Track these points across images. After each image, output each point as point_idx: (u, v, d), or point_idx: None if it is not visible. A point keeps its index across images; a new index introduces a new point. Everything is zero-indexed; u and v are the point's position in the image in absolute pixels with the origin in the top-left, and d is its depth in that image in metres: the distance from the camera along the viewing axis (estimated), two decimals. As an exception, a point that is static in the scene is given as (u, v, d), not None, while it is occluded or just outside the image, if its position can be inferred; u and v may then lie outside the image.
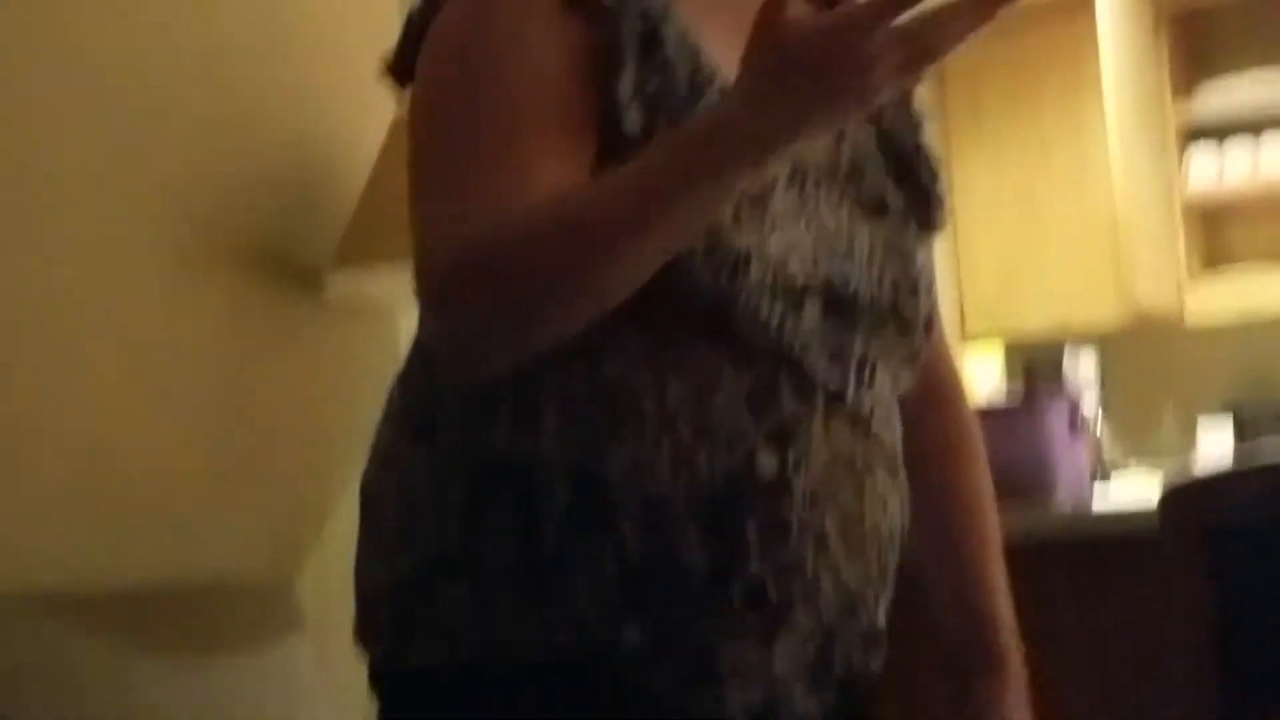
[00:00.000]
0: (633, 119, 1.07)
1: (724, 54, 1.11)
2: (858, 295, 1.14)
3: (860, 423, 1.13)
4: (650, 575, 1.05)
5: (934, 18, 0.94)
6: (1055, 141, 4.28)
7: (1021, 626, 2.44)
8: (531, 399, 1.08)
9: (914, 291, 1.19)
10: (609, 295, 1.03)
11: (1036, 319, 4.27)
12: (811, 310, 1.11)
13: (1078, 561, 2.42)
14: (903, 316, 1.18)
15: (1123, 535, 2.26)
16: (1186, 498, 1.93)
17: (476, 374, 1.07)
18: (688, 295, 1.06)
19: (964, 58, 4.50)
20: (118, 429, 2.11)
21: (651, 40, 1.10)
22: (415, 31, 1.17)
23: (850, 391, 1.12)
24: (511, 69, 1.08)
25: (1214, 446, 3.98)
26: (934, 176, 1.27)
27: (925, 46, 0.95)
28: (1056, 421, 2.49)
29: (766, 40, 0.96)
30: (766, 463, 1.07)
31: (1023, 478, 2.41)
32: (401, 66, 1.19)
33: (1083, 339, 4.03)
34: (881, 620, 1.16)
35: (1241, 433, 3.98)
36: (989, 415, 2.49)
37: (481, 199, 1.04)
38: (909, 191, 1.25)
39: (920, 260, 1.22)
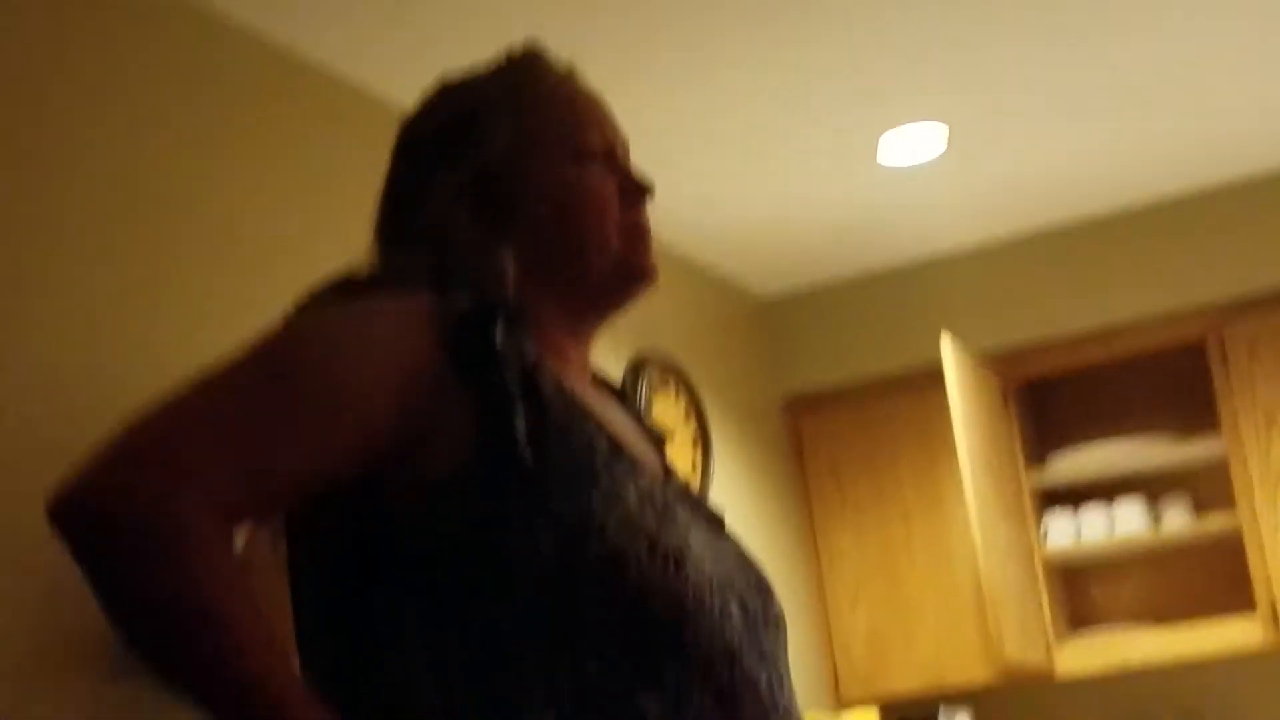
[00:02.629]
0: (528, 454, 1.18)
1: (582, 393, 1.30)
2: (746, 599, 1.25)
3: (793, 715, 1.24)
4: None
5: None
6: (916, 508, 4.45)
7: None
8: (524, 703, 1.14)
9: (772, 594, 1.32)
10: (165, 668, 1.10)
11: (910, 681, 4.33)
12: (733, 606, 1.22)
13: None
14: (778, 616, 1.30)
15: None
16: None
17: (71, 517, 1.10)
18: (643, 599, 1.16)
19: (822, 429, 4.71)
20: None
21: (530, 388, 1.23)
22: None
23: (782, 694, 1.23)
24: (350, 371, 1.18)
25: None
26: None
27: None
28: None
29: None
30: None
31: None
32: None
33: (956, 699, 4.09)
34: None
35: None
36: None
37: (227, 457, 1.12)
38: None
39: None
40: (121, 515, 1.08)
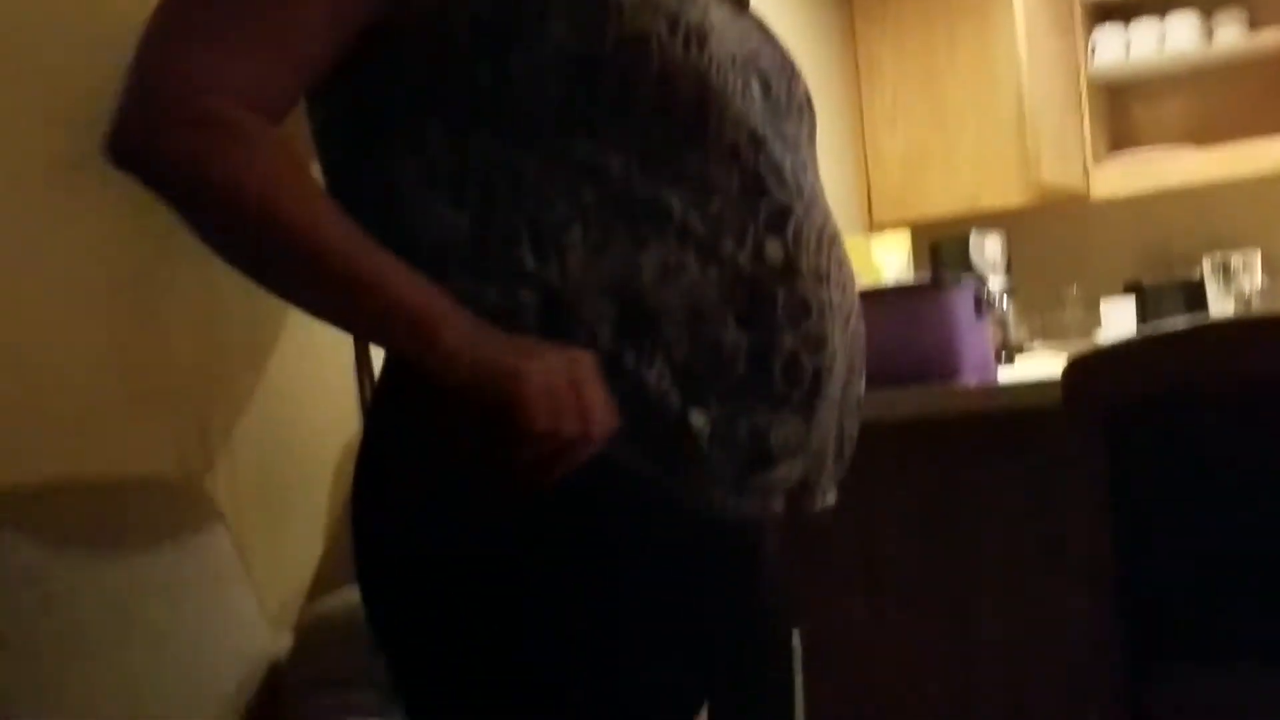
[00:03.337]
0: None
1: None
2: (771, 79, 1.19)
3: (818, 201, 1.19)
4: (701, 365, 1.11)
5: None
6: (961, 25, 4.28)
7: (926, 500, 2.48)
8: (547, 221, 1.10)
9: (798, 76, 1.25)
10: (234, 256, 1.08)
11: (943, 203, 4.30)
12: (755, 87, 1.16)
13: (983, 436, 2.46)
14: (803, 100, 1.24)
15: (1027, 408, 2.29)
16: (1089, 368, 1.95)
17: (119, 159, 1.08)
18: (665, 81, 1.10)
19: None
20: (23, 331, 2.08)
21: None
22: None
23: (806, 179, 1.18)
24: None
25: (1118, 326, 4.04)
26: None
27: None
28: (962, 304, 2.51)
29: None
30: (774, 248, 1.13)
31: (928, 361, 2.43)
32: None
33: (989, 221, 4.07)
34: (863, 388, 1.24)
35: (1144, 312, 4.05)
36: (894, 298, 2.51)
37: (240, 55, 1.07)
38: None
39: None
40: (164, 145, 1.05)
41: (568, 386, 1.04)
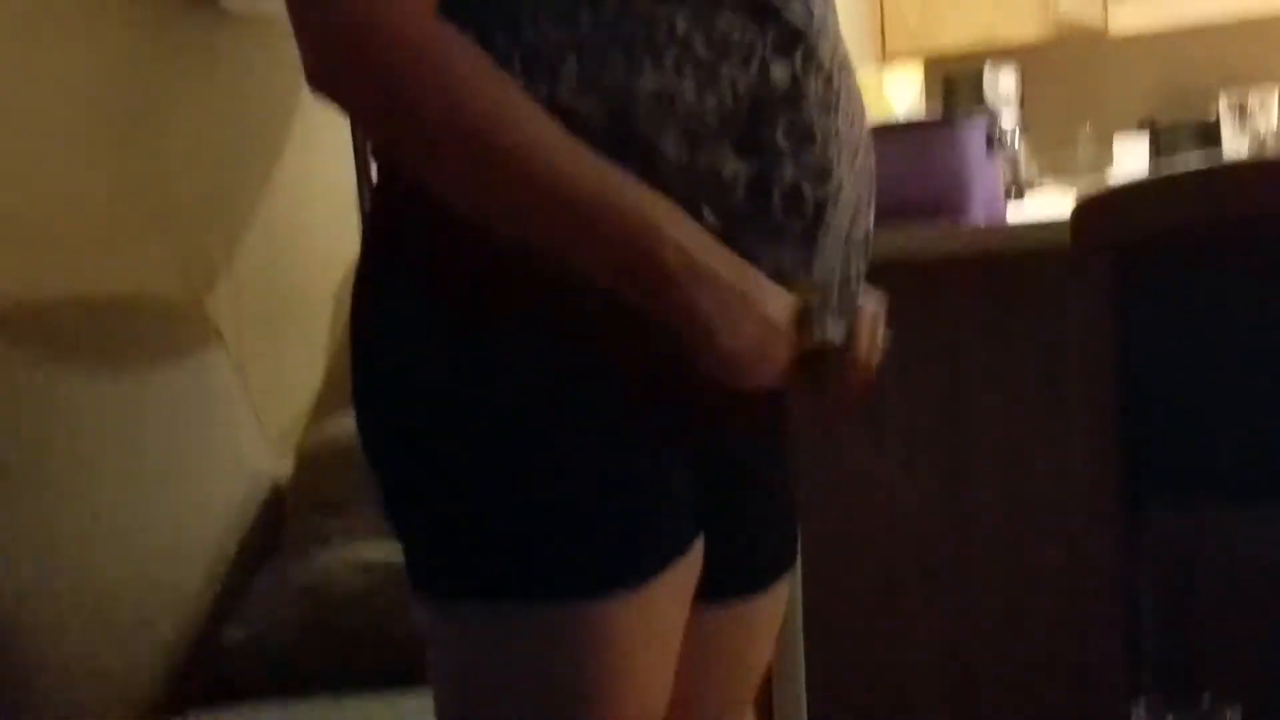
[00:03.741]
0: None
1: None
2: None
3: (829, 29, 1.15)
4: (695, 191, 1.08)
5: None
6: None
7: (931, 340, 2.47)
8: (541, 50, 1.07)
9: None
10: (450, 189, 1.05)
11: (958, 36, 4.22)
12: None
13: (989, 276, 2.44)
14: None
15: (1035, 248, 2.28)
16: (1098, 208, 1.93)
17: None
18: None
19: None
20: (24, 151, 2.05)
21: None
22: None
23: (819, 1, 1.14)
24: None
25: (1130, 163, 4.00)
26: None
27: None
28: (973, 139, 2.47)
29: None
30: (780, 72, 1.09)
31: (937, 195, 2.40)
32: None
33: (1004, 55, 4.00)
34: (872, 224, 1.22)
35: (1158, 148, 4.00)
36: (904, 133, 2.48)
37: None
38: None
39: None
40: (372, 85, 1.02)
41: (775, 342, 1.08)
